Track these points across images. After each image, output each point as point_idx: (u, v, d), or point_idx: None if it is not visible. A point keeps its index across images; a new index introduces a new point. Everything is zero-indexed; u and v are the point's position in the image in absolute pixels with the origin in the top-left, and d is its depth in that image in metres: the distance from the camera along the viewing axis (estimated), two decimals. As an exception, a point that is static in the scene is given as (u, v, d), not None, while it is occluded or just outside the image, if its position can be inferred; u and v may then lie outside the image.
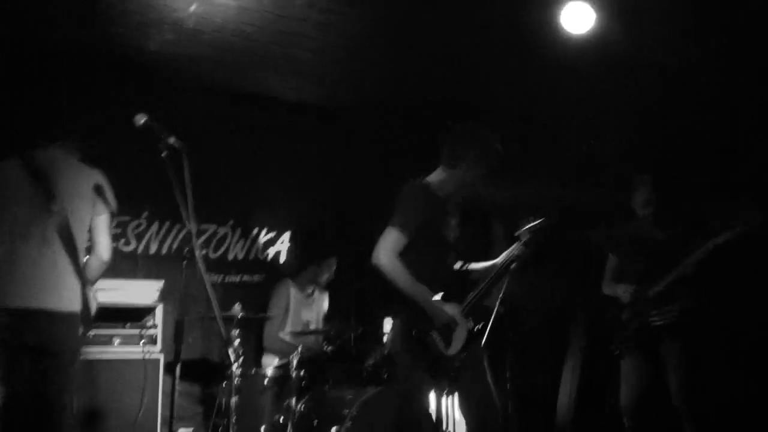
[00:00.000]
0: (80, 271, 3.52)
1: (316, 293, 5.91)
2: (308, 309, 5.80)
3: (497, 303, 4.87)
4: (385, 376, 4.87)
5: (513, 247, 3.91)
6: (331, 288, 6.00)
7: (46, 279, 3.45)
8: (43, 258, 3.48)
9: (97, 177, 3.71)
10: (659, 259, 4.58)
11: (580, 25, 4.66)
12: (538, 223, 3.93)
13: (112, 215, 3.70)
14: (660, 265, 4.55)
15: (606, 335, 4.91)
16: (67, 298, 3.46)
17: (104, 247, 3.65)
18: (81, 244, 3.57)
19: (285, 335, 5.52)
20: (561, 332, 6.32)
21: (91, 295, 3.59)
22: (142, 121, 3.47)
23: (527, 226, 3.92)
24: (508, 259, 3.90)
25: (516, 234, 3.95)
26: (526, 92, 5.74)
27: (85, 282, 3.55)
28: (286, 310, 5.63)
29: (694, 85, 5.24)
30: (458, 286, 3.82)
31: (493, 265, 3.94)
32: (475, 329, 3.76)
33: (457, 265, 3.90)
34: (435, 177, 3.86)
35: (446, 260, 3.81)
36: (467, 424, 4.06)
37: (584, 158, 6.03)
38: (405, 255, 3.58)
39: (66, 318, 3.46)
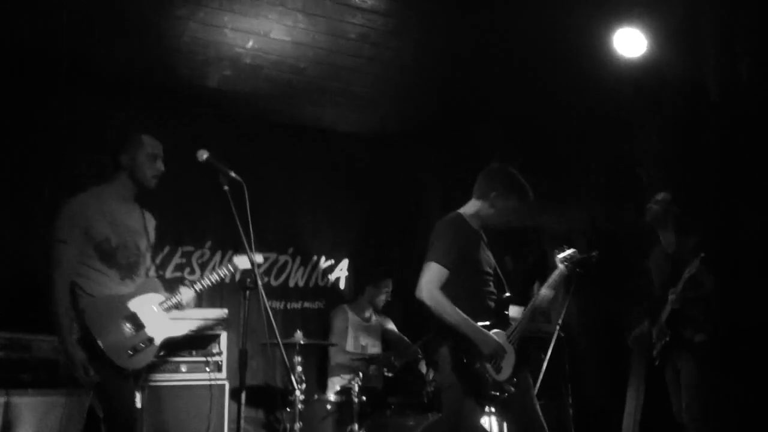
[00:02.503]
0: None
1: (374, 318, 5.98)
2: (365, 334, 5.87)
3: (557, 329, 4.90)
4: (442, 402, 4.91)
5: (549, 281, 4.02)
6: (388, 313, 6.07)
7: None
8: None
9: None
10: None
11: (633, 48, 4.68)
12: (571, 252, 4.08)
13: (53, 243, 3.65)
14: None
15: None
16: None
17: None
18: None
19: (346, 357, 5.61)
20: (623, 354, 6.25)
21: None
22: (204, 157, 3.63)
23: (562, 255, 4.08)
24: (543, 291, 3.99)
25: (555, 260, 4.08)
26: (578, 117, 5.75)
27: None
28: (345, 334, 5.72)
29: (744, 110, 5.18)
30: (502, 314, 3.87)
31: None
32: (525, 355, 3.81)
33: (507, 295, 3.97)
34: (468, 209, 3.94)
35: (486, 289, 3.85)
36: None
37: (631, 183, 6.01)
38: (446, 287, 3.64)
39: None
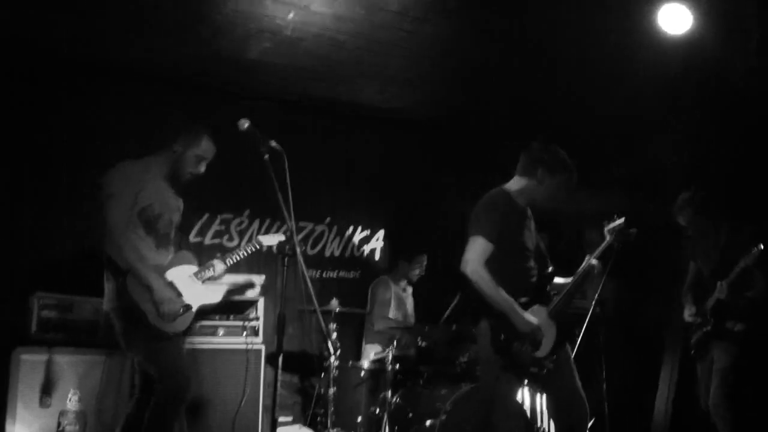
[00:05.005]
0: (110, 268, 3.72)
1: (408, 289, 6.06)
2: (403, 305, 5.95)
3: (593, 304, 4.90)
4: (478, 374, 4.95)
5: (598, 249, 3.97)
6: (423, 284, 6.12)
7: None
8: None
9: None
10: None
11: (677, 25, 4.58)
12: (620, 221, 4.00)
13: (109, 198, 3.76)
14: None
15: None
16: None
17: None
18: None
19: (389, 324, 5.70)
20: (657, 335, 6.24)
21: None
22: (246, 126, 3.69)
23: (611, 225, 4.00)
24: (588, 265, 3.94)
25: (603, 232, 4.01)
26: (619, 97, 5.67)
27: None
28: (389, 305, 5.81)
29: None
30: (543, 290, 3.87)
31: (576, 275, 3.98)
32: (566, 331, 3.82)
33: (542, 267, 3.96)
34: (513, 185, 3.94)
35: (528, 265, 3.86)
36: (555, 423, 4.11)
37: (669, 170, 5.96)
38: (489, 262, 3.66)
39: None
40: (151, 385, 3.69)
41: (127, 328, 3.68)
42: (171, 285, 3.76)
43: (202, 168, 4.00)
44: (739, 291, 4.73)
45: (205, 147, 3.97)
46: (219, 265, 4.04)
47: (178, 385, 3.66)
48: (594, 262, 3.93)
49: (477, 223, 3.73)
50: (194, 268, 3.96)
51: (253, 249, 4.19)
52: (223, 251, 4.22)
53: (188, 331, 3.89)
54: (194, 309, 3.83)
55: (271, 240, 4.32)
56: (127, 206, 3.70)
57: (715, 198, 5.05)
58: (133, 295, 3.60)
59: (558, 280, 4.00)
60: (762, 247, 4.59)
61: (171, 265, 3.85)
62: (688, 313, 5.04)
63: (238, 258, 4.11)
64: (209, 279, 3.98)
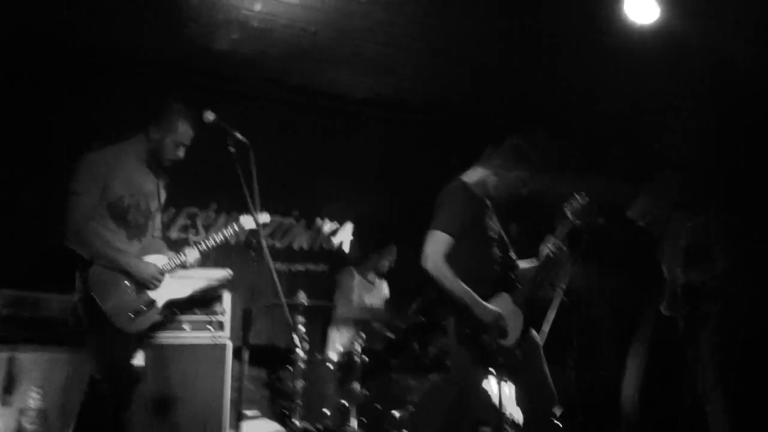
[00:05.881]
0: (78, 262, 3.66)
1: (377, 280, 6.04)
2: (370, 294, 5.94)
3: (561, 293, 4.92)
4: (448, 363, 4.96)
5: (559, 231, 3.95)
6: (393, 275, 6.11)
7: None
8: None
9: None
10: None
11: (645, 15, 4.60)
12: (581, 201, 3.98)
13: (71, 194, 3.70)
14: None
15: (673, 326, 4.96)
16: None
17: None
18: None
19: (351, 311, 5.68)
20: (626, 323, 6.28)
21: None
22: (211, 118, 3.64)
23: (572, 206, 3.97)
24: (556, 244, 3.93)
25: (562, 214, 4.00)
26: (590, 86, 5.70)
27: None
28: (351, 294, 5.78)
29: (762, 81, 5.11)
30: (507, 278, 3.87)
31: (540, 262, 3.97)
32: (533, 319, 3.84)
33: (504, 254, 3.95)
34: (471, 177, 3.93)
35: (491, 254, 3.86)
36: (524, 412, 4.12)
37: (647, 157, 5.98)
38: (451, 255, 3.65)
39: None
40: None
41: (89, 323, 3.62)
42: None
43: (181, 153, 3.89)
44: (698, 274, 4.75)
45: (183, 131, 3.86)
46: (192, 253, 3.95)
47: (124, 388, 3.63)
48: (551, 245, 3.91)
49: (436, 217, 3.73)
50: (164, 259, 3.87)
51: (232, 233, 4.08)
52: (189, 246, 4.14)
53: (153, 329, 3.83)
54: (160, 305, 3.77)
55: (251, 223, 4.12)
56: (91, 203, 3.64)
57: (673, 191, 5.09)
58: (94, 290, 3.55)
59: (523, 264, 4.00)
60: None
61: (139, 255, 3.77)
62: (663, 308, 5.04)
63: (215, 243, 4.00)
64: (180, 268, 3.89)
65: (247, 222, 4.13)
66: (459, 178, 3.93)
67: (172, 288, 3.86)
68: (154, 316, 3.76)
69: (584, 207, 3.97)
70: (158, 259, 3.84)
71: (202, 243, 3.99)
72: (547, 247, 3.90)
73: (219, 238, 4.02)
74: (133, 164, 3.83)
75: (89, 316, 3.59)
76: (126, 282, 3.67)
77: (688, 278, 4.74)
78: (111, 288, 3.60)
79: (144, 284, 3.67)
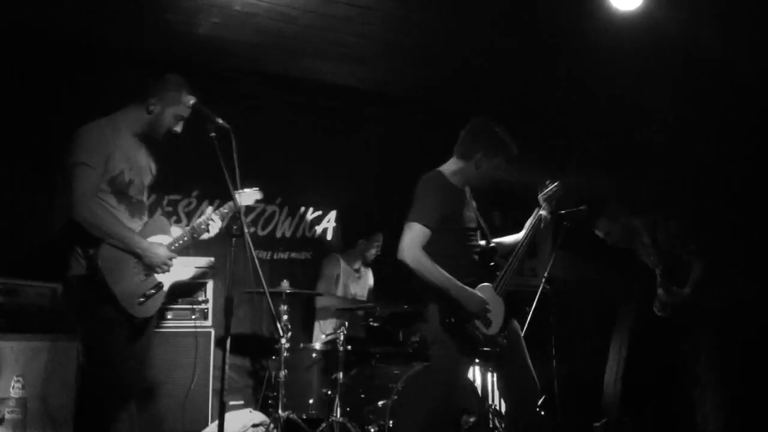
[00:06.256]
0: (70, 232, 3.42)
1: (362, 269, 6.02)
2: (356, 283, 5.94)
3: (542, 282, 4.94)
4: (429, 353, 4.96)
5: (534, 214, 4.00)
6: (377, 264, 6.10)
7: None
8: None
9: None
10: None
11: (627, 1, 4.59)
12: (553, 187, 4.02)
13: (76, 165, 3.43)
14: None
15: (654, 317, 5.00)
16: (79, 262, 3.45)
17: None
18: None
19: (334, 301, 5.65)
20: (607, 313, 6.32)
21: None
22: (191, 103, 3.59)
23: (543, 192, 4.02)
24: (532, 226, 3.97)
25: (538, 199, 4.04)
26: (570, 76, 5.70)
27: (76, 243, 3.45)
28: (336, 282, 5.76)
29: (744, 75, 5.12)
30: (488, 267, 3.87)
31: (521, 238, 4.00)
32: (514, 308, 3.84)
33: (483, 242, 3.95)
34: (449, 167, 3.92)
35: (470, 243, 3.86)
36: (505, 401, 4.14)
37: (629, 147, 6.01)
38: (430, 246, 3.64)
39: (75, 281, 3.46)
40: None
41: (87, 302, 3.41)
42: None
43: (179, 128, 3.73)
44: (673, 282, 4.81)
45: (185, 102, 3.67)
46: (216, 220, 3.83)
47: (118, 380, 3.45)
48: (526, 230, 3.97)
49: (413, 209, 3.71)
50: (168, 239, 3.71)
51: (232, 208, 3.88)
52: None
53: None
54: (165, 288, 3.63)
55: (250, 198, 4.12)
56: (97, 175, 3.42)
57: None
58: (105, 271, 3.34)
59: (500, 240, 4.02)
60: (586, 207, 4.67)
61: (144, 234, 3.58)
62: (656, 309, 5.09)
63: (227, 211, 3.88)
64: (190, 243, 3.77)
65: (247, 198, 4.09)
66: (436, 170, 3.91)
67: (176, 270, 3.70)
68: (160, 300, 3.62)
69: (555, 192, 4.02)
70: (163, 239, 3.68)
71: (219, 212, 3.88)
72: (526, 231, 3.98)
73: (225, 211, 3.91)
74: (129, 137, 3.63)
75: (90, 299, 3.40)
76: (134, 264, 3.49)
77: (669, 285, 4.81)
78: (123, 269, 3.43)
79: (153, 268, 3.51)
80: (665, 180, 5.20)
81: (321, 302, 5.74)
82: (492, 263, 3.90)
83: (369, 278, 6.10)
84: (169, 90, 3.68)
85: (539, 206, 4.03)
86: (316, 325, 5.74)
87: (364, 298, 5.94)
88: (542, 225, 3.98)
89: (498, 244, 4.00)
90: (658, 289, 4.89)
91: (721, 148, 5.62)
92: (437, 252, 3.64)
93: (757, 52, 4.93)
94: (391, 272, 5.89)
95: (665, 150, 6.00)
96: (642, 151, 6.16)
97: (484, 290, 3.73)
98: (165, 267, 3.58)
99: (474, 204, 4.00)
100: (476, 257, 3.86)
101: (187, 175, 5.67)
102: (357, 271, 5.99)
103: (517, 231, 4.12)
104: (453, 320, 3.61)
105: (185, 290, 4.85)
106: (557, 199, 4.05)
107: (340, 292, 5.77)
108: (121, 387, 3.50)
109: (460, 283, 3.61)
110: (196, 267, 4.92)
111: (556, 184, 4.04)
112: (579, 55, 5.27)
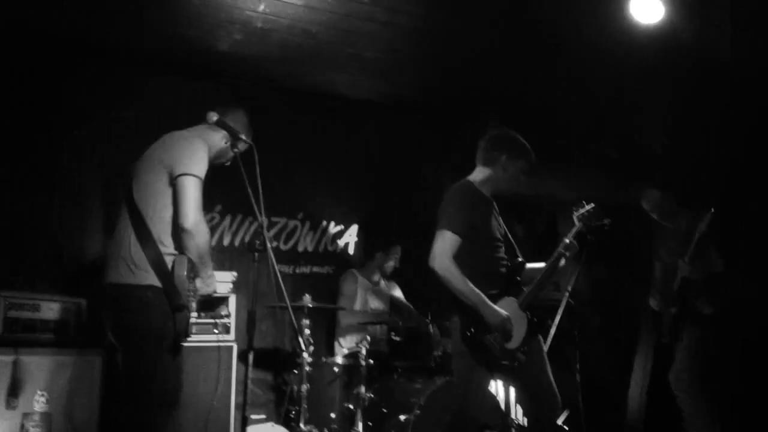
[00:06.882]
0: (154, 242, 3.36)
1: (383, 282, 6.01)
2: (375, 297, 5.92)
3: (566, 296, 4.90)
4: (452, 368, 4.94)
5: (569, 234, 3.95)
6: (398, 278, 6.08)
7: (114, 252, 3.42)
8: (116, 229, 3.49)
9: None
10: None
11: (649, 15, 4.58)
12: (589, 207, 3.98)
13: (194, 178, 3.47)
14: None
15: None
16: (131, 270, 3.32)
17: (181, 214, 3.44)
18: (150, 212, 3.44)
19: (355, 317, 5.64)
20: (631, 327, 6.27)
21: (180, 269, 3.37)
22: (214, 119, 3.62)
23: (579, 212, 3.97)
24: (564, 247, 3.92)
25: (573, 218, 3.99)
26: (590, 87, 5.68)
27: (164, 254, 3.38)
28: (355, 298, 5.76)
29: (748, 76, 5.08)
30: (513, 281, 3.86)
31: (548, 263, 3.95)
32: (537, 321, 3.82)
33: (515, 258, 3.94)
34: (477, 176, 3.95)
35: (497, 255, 3.86)
36: (527, 415, 4.11)
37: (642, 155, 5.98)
38: (459, 255, 3.65)
39: (133, 291, 3.30)
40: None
41: (157, 314, 3.30)
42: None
43: (228, 161, 3.81)
44: (700, 267, 4.75)
45: (244, 141, 3.73)
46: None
47: (173, 389, 3.42)
48: (564, 249, 3.90)
49: (443, 217, 3.72)
50: None
51: None
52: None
53: None
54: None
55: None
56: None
57: (675, 188, 5.08)
58: (178, 282, 3.31)
59: (531, 265, 3.99)
60: (713, 210, 4.63)
61: None
62: (653, 302, 5.07)
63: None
64: None
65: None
66: (465, 179, 3.94)
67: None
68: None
69: (591, 213, 3.97)
70: None
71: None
72: (558, 251, 3.89)
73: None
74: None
75: (164, 305, 3.33)
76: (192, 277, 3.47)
77: (691, 271, 4.73)
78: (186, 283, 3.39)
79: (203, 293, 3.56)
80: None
81: (344, 320, 5.73)
82: (519, 278, 3.89)
83: (395, 291, 6.09)
84: (236, 127, 3.75)
85: (574, 224, 3.97)
86: (338, 342, 5.73)
87: (386, 311, 5.93)
88: (568, 252, 3.93)
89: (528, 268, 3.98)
90: (680, 261, 4.81)
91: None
92: (466, 262, 3.66)
93: (763, 54, 4.89)
94: (422, 285, 5.98)
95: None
96: (642, 152, 6.13)
97: (508, 304, 3.72)
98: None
99: (500, 218, 4.01)
100: (503, 269, 3.85)
101: (209, 190, 5.66)
102: (376, 284, 5.98)
103: (536, 244, 4.11)
104: (474, 331, 3.61)
105: (208, 304, 4.86)
106: (592, 218, 3.99)
107: (359, 306, 5.77)
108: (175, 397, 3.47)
109: (484, 297, 3.61)
110: (219, 281, 4.94)
111: (592, 205, 3.99)
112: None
